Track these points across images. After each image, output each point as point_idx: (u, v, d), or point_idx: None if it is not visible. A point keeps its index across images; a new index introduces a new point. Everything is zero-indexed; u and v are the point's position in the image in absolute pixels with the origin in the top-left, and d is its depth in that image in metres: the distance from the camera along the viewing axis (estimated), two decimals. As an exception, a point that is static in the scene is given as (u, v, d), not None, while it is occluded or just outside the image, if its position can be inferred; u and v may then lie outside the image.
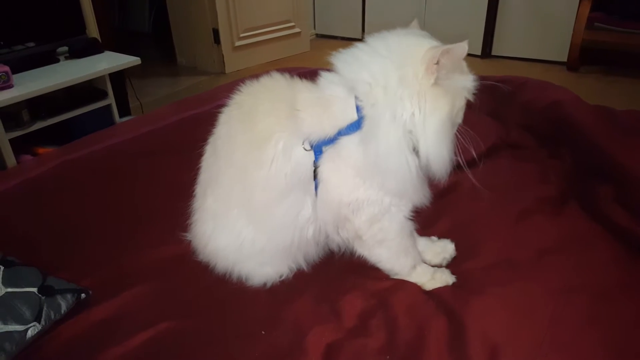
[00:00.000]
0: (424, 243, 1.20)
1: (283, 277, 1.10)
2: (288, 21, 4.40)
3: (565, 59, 3.88)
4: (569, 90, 1.81)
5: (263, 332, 0.98)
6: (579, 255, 1.14)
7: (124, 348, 0.94)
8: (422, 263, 1.13)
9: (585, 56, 3.77)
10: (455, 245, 1.20)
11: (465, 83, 0.95)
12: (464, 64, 0.96)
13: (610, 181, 1.35)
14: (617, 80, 3.68)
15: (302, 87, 1.04)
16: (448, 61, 0.90)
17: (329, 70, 1.01)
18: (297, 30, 4.49)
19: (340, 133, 0.96)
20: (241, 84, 1.09)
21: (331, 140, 0.97)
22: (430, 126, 0.92)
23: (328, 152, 0.98)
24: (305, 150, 0.98)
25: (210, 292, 1.09)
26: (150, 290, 1.09)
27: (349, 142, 0.96)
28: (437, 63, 0.89)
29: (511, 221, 1.27)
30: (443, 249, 1.19)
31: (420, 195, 1.03)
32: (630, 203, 1.26)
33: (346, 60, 0.98)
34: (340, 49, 0.99)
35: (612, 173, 1.36)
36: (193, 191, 1.18)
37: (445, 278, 1.10)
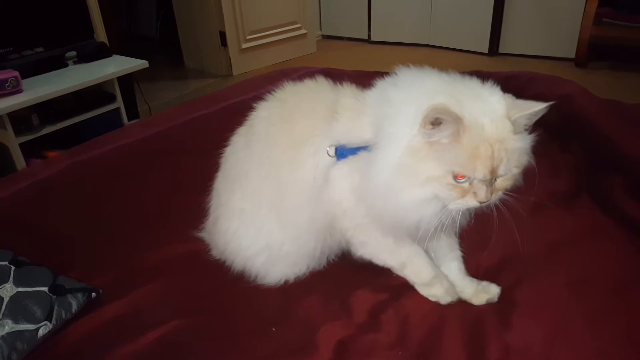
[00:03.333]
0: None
1: (299, 275, 1.10)
2: (294, 22, 4.40)
3: (573, 56, 3.85)
4: (578, 83, 1.80)
5: (274, 329, 0.98)
6: (590, 248, 1.13)
7: (134, 346, 0.94)
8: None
9: (593, 52, 3.75)
10: (466, 240, 1.16)
11: (455, 157, 0.81)
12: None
13: (621, 173, 1.34)
14: (626, 75, 3.64)
15: (347, 91, 1.02)
16: (444, 130, 0.79)
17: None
18: (303, 31, 4.49)
19: (364, 148, 0.92)
20: (285, 80, 1.09)
21: (354, 150, 0.94)
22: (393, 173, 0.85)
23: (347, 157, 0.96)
24: (329, 156, 0.96)
25: (221, 290, 1.09)
26: (160, 288, 1.09)
27: (364, 158, 0.92)
28: (433, 124, 0.79)
29: (522, 215, 1.26)
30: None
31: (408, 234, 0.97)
32: (642, 195, 1.24)
33: (401, 78, 0.93)
34: (411, 65, 0.94)
35: (623, 165, 1.35)
36: (202, 190, 1.18)
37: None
